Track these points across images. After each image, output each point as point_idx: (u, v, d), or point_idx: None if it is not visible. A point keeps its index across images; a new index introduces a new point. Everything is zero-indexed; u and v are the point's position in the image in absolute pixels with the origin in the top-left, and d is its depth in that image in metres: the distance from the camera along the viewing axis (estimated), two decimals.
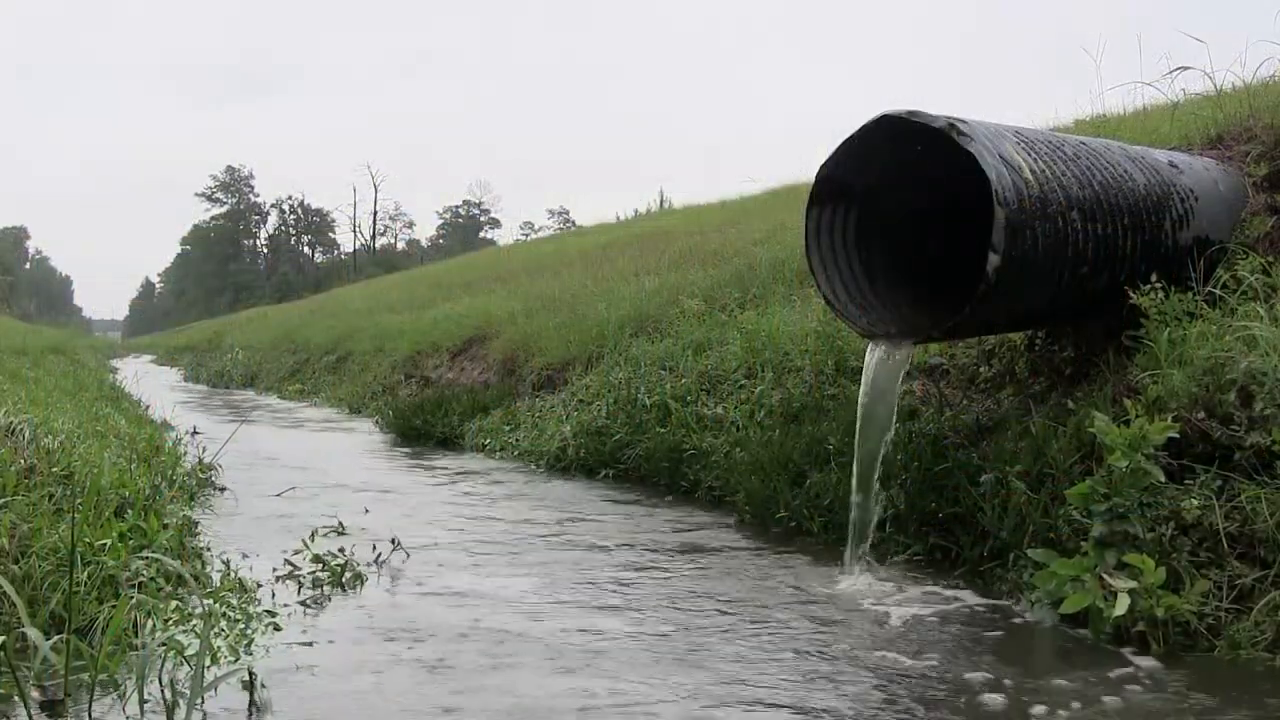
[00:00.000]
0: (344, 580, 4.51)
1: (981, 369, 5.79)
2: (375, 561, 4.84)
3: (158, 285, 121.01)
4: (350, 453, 9.93)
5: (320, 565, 4.57)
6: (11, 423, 5.41)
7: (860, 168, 4.68)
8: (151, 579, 3.86)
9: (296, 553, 4.71)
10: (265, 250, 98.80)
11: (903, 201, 4.89)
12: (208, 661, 3.14)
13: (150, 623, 3.51)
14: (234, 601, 3.92)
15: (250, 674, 3.06)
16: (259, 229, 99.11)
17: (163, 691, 2.96)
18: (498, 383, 11.39)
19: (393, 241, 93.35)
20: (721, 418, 6.83)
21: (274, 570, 4.56)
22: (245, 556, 4.78)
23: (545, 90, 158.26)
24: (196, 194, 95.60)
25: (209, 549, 4.87)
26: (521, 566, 4.92)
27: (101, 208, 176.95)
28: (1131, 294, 4.55)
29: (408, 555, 5.02)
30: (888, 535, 4.84)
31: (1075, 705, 3.07)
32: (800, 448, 5.77)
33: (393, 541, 5.07)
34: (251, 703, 3.02)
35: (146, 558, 3.95)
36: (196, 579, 4.06)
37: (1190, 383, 4.06)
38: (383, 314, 20.35)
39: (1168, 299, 4.48)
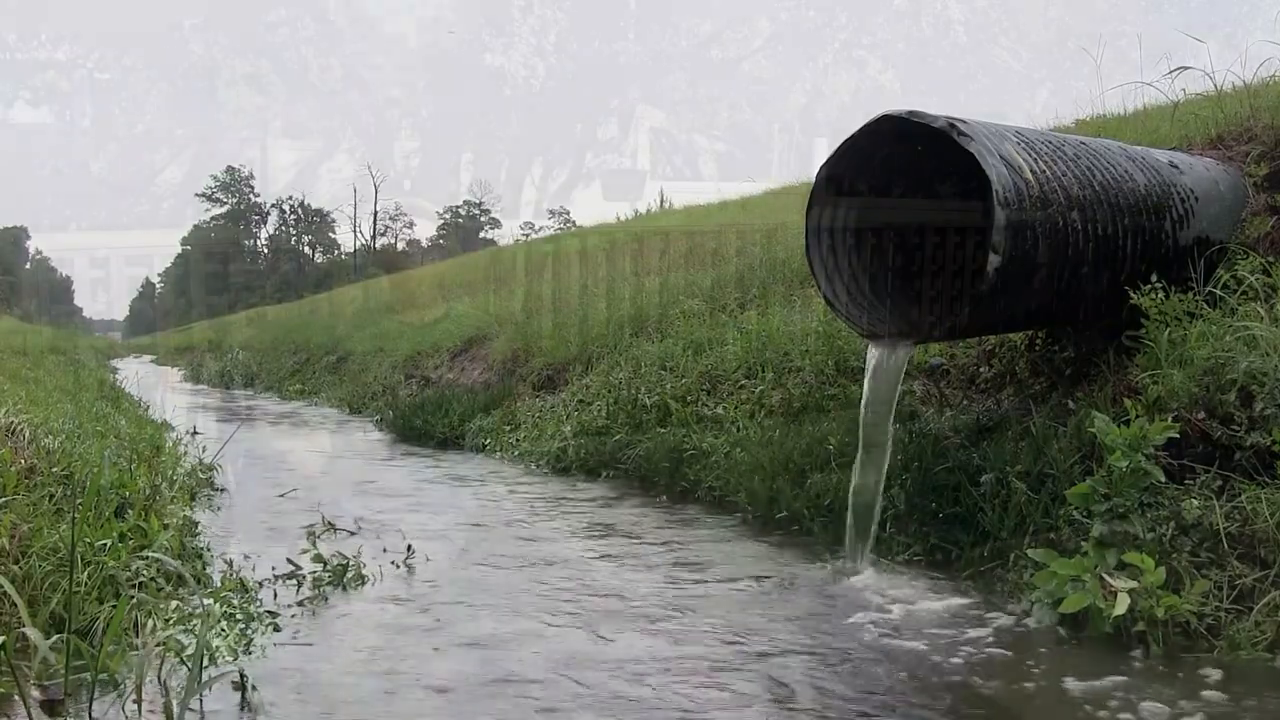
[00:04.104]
0: (345, 580, 4.50)
1: (982, 369, 5.78)
2: (375, 562, 4.84)
3: (158, 285, 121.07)
4: (351, 453, 9.93)
5: (320, 566, 4.57)
6: (11, 423, 5.40)
7: (861, 168, 4.68)
8: (151, 579, 3.86)
9: (298, 554, 4.71)
10: (265, 250, 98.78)
11: (903, 201, 4.89)
12: (205, 661, 3.14)
13: (150, 623, 3.50)
14: (235, 601, 3.92)
15: (241, 675, 3.06)
16: (259, 229, 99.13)
17: (161, 691, 2.96)
18: (498, 383, 11.39)
19: (393, 242, 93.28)
20: (722, 418, 6.82)
21: (273, 570, 4.55)
22: (246, 557, 4.77)
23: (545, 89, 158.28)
24: (196, 194, 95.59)
25: (209, 549, 4.86)
26: (518, 568, 4.92)
27: (101, 208, 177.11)
28: (1132, 294, 4.54)
29: (406, 556, 5.01)
30: (888, 535, 4.83)
31: (1071, 706, 3.07)
32: (801, 448, 5.76)
33: (384, 543, 5.08)
34: (243, 702, 3.03)
35: (146, 558, 3.94)
36: (197, 579, 4.06)
37: (1190, 383, 4.06)
38: (383, 314, 20.35)
39: (1168, 299, 4.48)
